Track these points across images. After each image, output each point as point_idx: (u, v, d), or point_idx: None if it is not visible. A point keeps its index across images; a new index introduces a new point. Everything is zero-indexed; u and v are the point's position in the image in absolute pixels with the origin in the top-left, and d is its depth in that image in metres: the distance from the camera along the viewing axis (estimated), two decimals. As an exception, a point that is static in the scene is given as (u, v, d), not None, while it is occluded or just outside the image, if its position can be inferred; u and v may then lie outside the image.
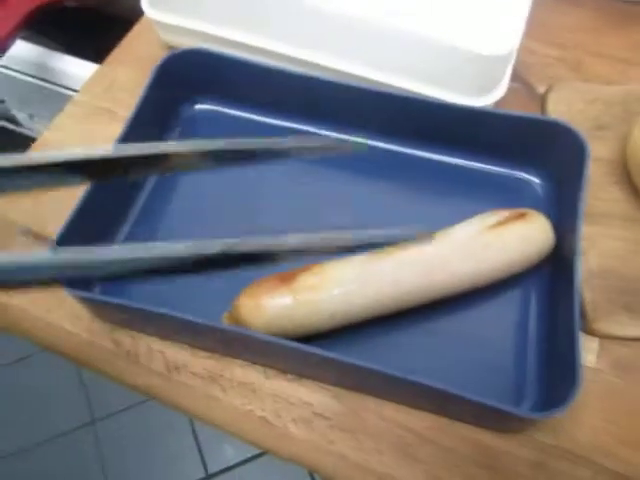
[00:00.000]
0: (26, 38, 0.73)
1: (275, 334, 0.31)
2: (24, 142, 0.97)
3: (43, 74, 0.80)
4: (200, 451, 0.97)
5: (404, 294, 0.33)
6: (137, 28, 0.50)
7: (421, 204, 0.40)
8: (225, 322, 0.33)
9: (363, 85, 0.39)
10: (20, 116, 0.95)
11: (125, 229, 0.39)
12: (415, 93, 0.39)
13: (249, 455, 0.96)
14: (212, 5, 0.42)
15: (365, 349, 0.35)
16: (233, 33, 0.43)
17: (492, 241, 0.34)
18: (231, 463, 0.97)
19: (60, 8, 0.78)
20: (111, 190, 0.37)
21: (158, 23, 0.45)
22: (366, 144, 0.34)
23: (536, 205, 0.40)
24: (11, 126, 0.95)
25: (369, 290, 0.33)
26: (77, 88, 0.52)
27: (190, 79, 0.42)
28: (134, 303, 0.31)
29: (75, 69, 0.73)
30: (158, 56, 0.40)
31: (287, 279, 0.32)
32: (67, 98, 0.51)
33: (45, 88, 0.81)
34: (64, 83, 0.75)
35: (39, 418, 0.99)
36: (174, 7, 0.43)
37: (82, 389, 1.02)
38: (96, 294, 0.36)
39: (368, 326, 0.36)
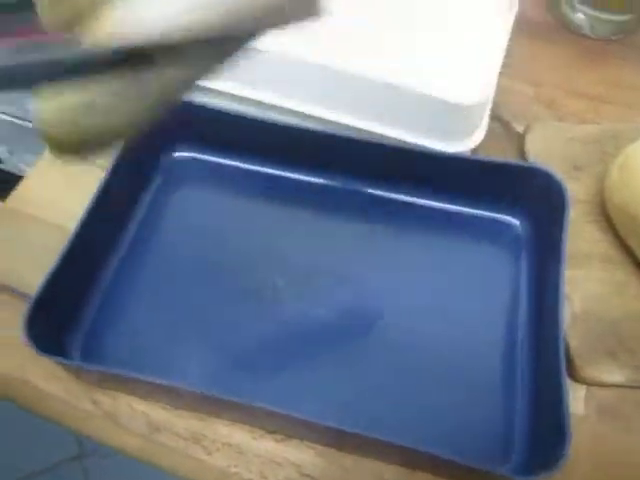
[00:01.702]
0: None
1: None
2: (5, 177, 0.96)
3: (19, 111, 0.79)
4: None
5: None
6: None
7: (398, 246, 0.40)
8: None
9: (342, 133, 0.39)
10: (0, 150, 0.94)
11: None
12: (393, 139, 0.40)
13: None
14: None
15: (341, 397, 0.35)
16: (208, 81, 0.42)
17: None
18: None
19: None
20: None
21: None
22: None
23: (517, 247, 0.40)
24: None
25: None
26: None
27: (167, 126, 0.41)
28: (113, 369, 0.30)
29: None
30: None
31: None
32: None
33: (22, 126, 0.80)
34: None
35: (25, 451, 0.95)
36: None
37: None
38: (75, 358, 0.35)
39: (342, 371, 0.35)
